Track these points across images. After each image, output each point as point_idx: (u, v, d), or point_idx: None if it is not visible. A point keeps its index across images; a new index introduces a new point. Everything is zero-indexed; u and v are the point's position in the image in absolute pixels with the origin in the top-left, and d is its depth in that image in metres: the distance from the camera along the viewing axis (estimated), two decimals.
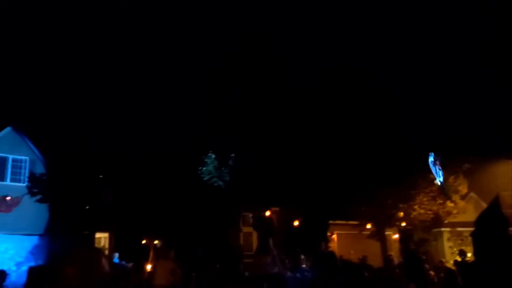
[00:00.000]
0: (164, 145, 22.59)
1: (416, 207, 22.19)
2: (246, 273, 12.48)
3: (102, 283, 1.87)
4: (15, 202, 21.90)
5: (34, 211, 21.43)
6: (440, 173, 21.60)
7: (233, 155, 25.01)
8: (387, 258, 15.90)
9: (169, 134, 23.18)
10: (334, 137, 23.10)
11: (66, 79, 25.87)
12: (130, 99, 24.82)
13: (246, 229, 25.85)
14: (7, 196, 21.86)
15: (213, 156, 24.93)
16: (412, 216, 22.45)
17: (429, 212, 22.38)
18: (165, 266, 10.30)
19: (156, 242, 22.17)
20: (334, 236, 25.30)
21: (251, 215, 25.71)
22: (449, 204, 22.31)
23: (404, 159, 21.45)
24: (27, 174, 22.18)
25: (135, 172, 21.51)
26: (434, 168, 21.67)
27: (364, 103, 23.75)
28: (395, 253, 22.34)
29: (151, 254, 20.64)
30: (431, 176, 21.90)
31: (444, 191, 21.66)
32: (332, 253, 6.45)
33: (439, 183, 21.62)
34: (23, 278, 6.99)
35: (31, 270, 6.91)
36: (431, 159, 21.73)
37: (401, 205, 22.16)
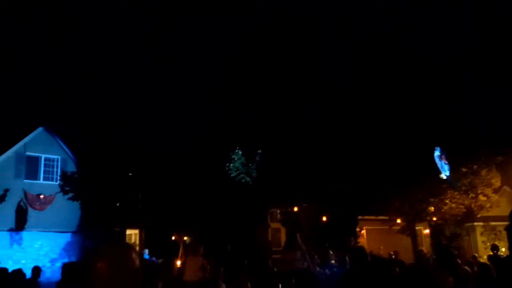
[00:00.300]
0: (192, 143, 22.78)
1: (447, 201, 21.76)
2: (275, 269, 12.50)
3: (133, 278, 1.88)
4: (49, 200, 22.44)
5: (67, 209, 21.93)
6: (446, 167, 21.20)
7: (260, 151, 25.00)
8: (419, 253, 15.69)
9: (196, 131, 23.37)
10: (363, 131, 22.86)
11: (94, 80, 26.35)
12: (157, 98, 25.11)
13: (274, 225, 25.85)
14: (40, 194, 22.43)
15: (240, 152, 24.97)
16: (443, 210, 22.02)
17: (461, 206, 21.90)
18: (195, 262, 10.38)
19: (185, 238, 22.41)
20: (363, 232, 25.04)
21: (279, 211, 25.68)
22: (482, 198, 21.80)
23: (433, 153, 21.07)
24: (59, 173, 22.69)
25: (164, 169, 21.75)
26: (440, 162, 21.31)
27: (392, 98, 23.45)
28: (426, 248, 21.99)
29: (181, 250, 20.90)
30: (463, 169, 21.43)
31: (452, 185, 21.23)
32: (362, 248, 6.37)
33: (445, 177, 21.21)
34: (57, 274, 7.17)
35: (64, 266, 7.08)
36: (437, 153, 21.33)
37: (431, 200, 21.75)
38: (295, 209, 23.65)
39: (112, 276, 1.78)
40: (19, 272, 10.29)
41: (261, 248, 21.69)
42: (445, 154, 21.23)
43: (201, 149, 22.70)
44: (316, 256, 11.51)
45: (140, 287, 1.89)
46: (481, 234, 22.67)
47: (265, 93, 27.68)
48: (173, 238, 22.80)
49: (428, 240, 24.91)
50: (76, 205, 21.78)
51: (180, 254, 20.31)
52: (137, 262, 1.89)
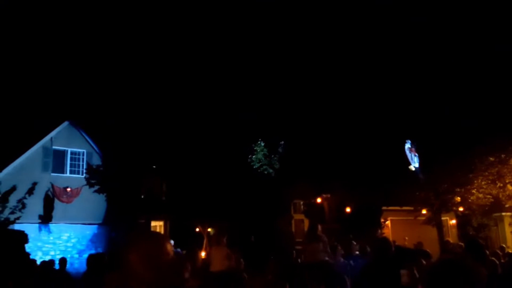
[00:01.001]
0: (214, 134, 22.84)
1: (474, 191, 21.34)
2: (299, 260, 12.50)
3: (167, 269, 1.88)
4: (75, 193, 22.87)
5: (93, 201, 22.31)
6: (415, 159, 21.20)
7: (282, 142, 24.93)
8: (445, 244, 15.47)
9: (219, 123, 23.41)
10: (387, 121, 22.62)
11: (118, 74, 26.60)
12: (180, 89, 25.19)
13: (298, 216, 25.84)
14: (67, 187, 22.87)
15: (263, 144, 24.93)
16: (470, 200, 21.62)
17: (489, 196, 21.45)
18: (219, 252, 10.45)
19: (209, 230, 22.59)
20: (388, 223, 24.82)
21: (302, 202, 25.65)
22: (510, 187, 21.31)
23: (459, 141, 20.71)
24: (84, 166, 23.08)
25: (187, 161, 21.92)
26: (410, 154, 21.41)
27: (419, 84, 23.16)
28: (452, 239, 21.67)
29: (205, 241, 21.09)
30: (490, 158, 20.97)
31: (420, 176, 21.07)
32: (386, 239, 6.32)
33: (413, 169, 21.12)
34: (85, 265, 7.32)
35: (90, 258, 7.20)
36: (407, 145, 21.31)
37: (458, 190, 21.38)
38: (319, 200, 23.59)
39: (145, 267, 1.79)
40: (49, 263, 10.60)
41: (285, 240, 21.72)
42: (415, 146, 21.34)
43: (224, 141, 22.74)
44: (340, 247, 11.47)
45: (174, 277, 1.90)
46: (510, 224, 22.25)
47: (285, 85, 27.60)
48: (197, 229, 23.00)
49: (454, 231, 24.53)
50: (101, 197, 22.14)
51: (204, 245, 20.50)
52: (171, 253, 1.90)
